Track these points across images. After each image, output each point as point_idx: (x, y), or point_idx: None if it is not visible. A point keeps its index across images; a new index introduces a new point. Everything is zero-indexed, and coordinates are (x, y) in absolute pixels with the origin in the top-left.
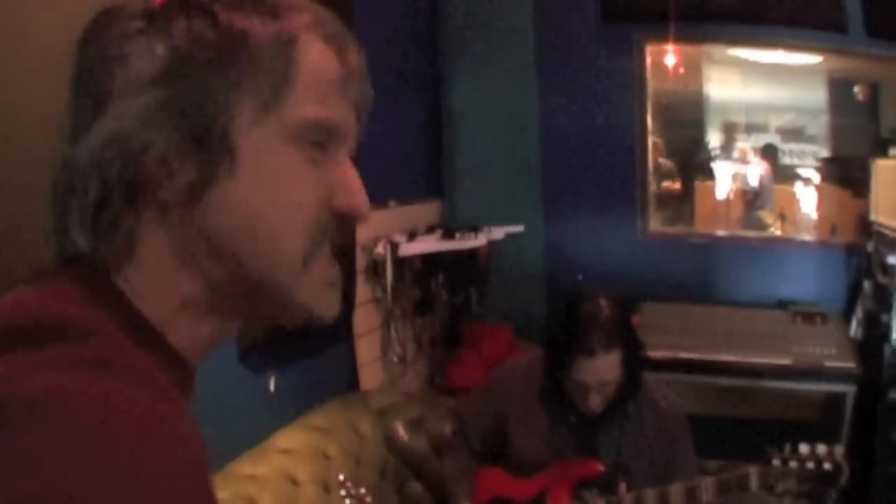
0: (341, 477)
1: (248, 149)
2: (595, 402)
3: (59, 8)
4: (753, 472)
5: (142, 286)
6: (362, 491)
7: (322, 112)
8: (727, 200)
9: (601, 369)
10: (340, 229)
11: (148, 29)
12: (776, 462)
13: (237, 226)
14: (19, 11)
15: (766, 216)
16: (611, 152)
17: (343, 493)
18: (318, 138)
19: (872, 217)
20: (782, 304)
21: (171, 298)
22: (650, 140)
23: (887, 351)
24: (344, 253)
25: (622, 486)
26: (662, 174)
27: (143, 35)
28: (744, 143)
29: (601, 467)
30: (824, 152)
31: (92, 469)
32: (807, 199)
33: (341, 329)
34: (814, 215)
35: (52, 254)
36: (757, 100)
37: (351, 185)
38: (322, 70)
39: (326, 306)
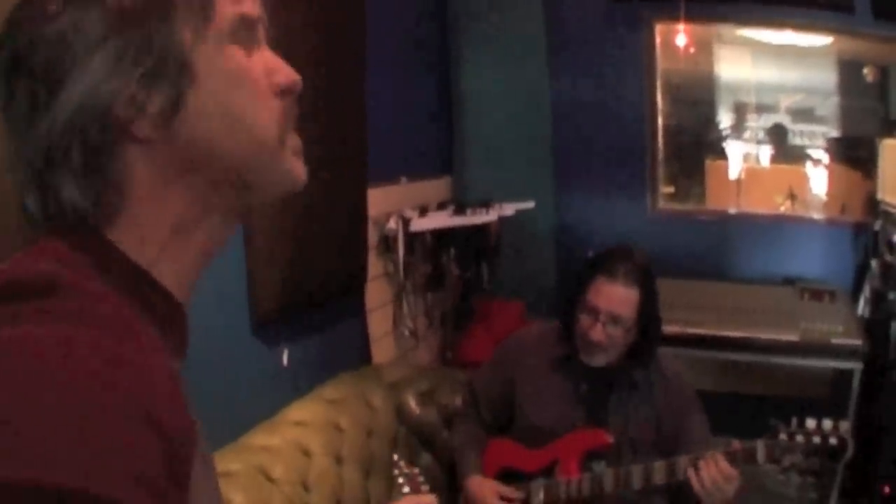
0: (395, 457)
1: (200, 61)
2: (598, 334)
3: None
4: (760, 446)
5: (137, 225)
6: (415, 471)
7: (241, 8)
8: (738, 179)
9: (616, 297)
10: (289, 105)
11: (73, 3)
12: (783, 436)
13: (217, 125)
14: None
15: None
16: (621, 130)
17: (396, 472)
18: (244, 32)
19: (880, 196)
20: (791, 281)
21: (165, 226)
22: (660, 118)
23: (894, 328)
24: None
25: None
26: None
27: (72, 10)
28: (754, 123)
29: (610, 439)
30: (834, 133)
31: (38, 404)
32: (817, 178)
33: (354, 303)
34: (823, 195)
35: (32, 229)
36: (767, 80)
37: (278, 63)
38: None
39: (300, 173)
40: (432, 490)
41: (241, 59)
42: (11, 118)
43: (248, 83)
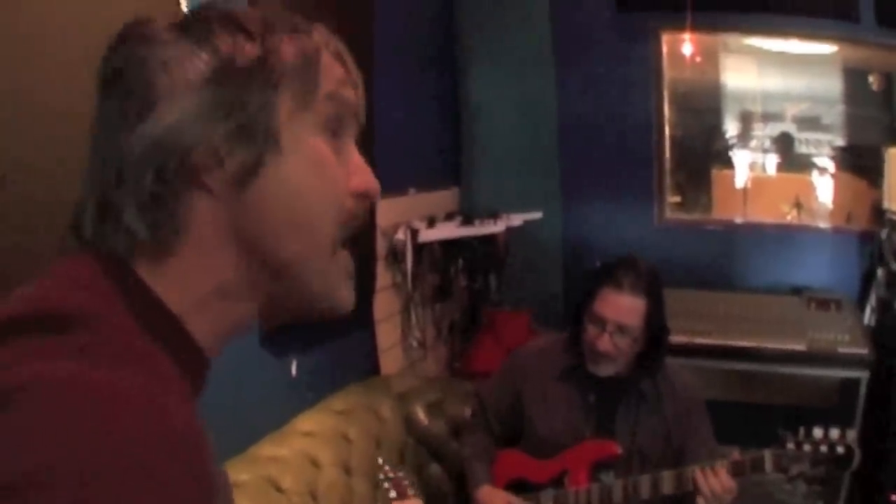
0: (380, 460)
1: (288, 138)
2: (605, 344)
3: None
4: (768, 455)
5: (183, 273)
6: (400, 475)
7: (340, 106)
8: (745, 189)
9: (623, 307)
10: (360, 210)
11: (187, 38)
12: (790, 445)
13: (282, 207)
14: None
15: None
16: (627, 140)
17: (381, 476)
18: (336, 127)
19: (886, 205)
20: (797, 291)
21: (208, 284)
22: (666, 128)
23: None
24: (357, 242)
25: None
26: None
27: (184, 43)
28: (760, 132)
29: (618, 449)
30: (839, 141)
31: (83, 450)
32: (822, 187)
33: (362, 314)
34: (829, 203)
35: (70, 242)
36: (773, 89)
37: (362, 167)
38: (335, 75)
39: (346, 296)
40: (443, 502)
41: (327, 152)
42: (98, 130)
43: (328, 178)
